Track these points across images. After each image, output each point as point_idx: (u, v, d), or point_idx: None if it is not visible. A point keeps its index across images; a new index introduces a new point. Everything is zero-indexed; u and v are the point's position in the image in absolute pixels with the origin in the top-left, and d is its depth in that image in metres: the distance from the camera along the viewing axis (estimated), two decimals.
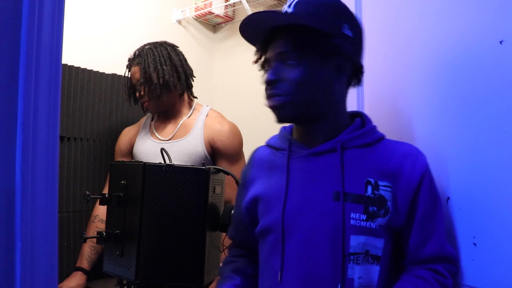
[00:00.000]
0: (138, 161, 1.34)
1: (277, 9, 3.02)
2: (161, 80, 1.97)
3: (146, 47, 2.06)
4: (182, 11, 3.14)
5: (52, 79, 0.66)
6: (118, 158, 2.19)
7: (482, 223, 1.04)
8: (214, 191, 1.35)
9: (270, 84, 1.10)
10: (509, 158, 0.98)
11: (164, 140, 2.04)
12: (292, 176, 1.15)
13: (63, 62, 2.08)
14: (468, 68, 1.09)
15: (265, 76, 1.12)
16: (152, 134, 2.10)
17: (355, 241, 1.05)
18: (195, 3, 3.15)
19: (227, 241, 1.38)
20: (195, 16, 3.20)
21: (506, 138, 0.98)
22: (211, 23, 3.39)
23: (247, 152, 2.12)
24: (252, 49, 3.13)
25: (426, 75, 1.22)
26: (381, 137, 1.15)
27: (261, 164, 1.26)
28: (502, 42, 0.99)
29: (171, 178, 1.30)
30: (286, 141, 1.20)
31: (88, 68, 2.26)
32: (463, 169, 1.10)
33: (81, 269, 2.00)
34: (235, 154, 2.06)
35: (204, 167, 1.31)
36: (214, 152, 2.03)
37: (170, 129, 2.08)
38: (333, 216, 1.06)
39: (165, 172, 1.30)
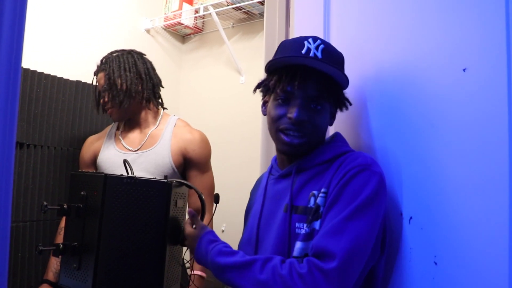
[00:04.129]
0: (99, 172, 1.32)
1: (248, 22, 3.02)
2: (124, 87, 1.95)
3: (113, 54, 2.04)
4: (151, 20, 3.13)
5: (10, 83, 0.64)
6: (82, 168, 2.13)
7: (443, 243, 1.05)
8: (176, 205, 1.33)
9: (300, 124, 1.18)
10: (469, 180, 1.00)
11: (131, 150, 2.01)
12: (267, 195, 1.33)
13: (26, 66, 2.05)
14: (433, 94, 1.11)
15: (292, 112, 1.17)
16: (118, 143, 2.06)
17: (298, 247, 1.13)
18: (165, 13, 3.14)
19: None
20: (164, 26, 3.19)
21: (467, 161, 1.01)
22: (180, 34, 3.38)
23: (213, 162, 2.11)
24: (220, 61, 3.12)
25: (391, 99, 1.26)
26: (343, 152, 1.21)
27: (256, 188, 1.50)
28: (465, 70, 1.02)
29: (132, 191, 1.27)
30: (270, 166, 1.40)
31: (52, 74, 2.21)
32: (425, 189, 1.11)
33: (47, 282, 1.95)
34: (206, 162, 2.07)
35: (166, 180, 1.29)
36: (186, 162, 2.02)
37: (137, 139, 2.05)
38: (283, 225, 1.19)
39: (126, 184, 1.27)
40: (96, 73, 2.05)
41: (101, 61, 2.04)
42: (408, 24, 1.21)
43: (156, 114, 2.11)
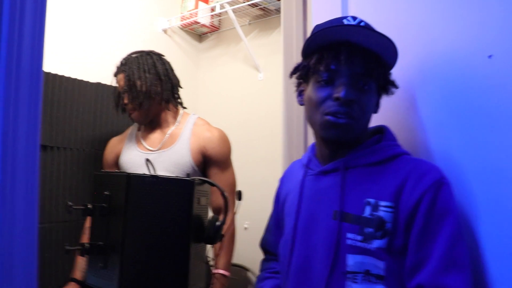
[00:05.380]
0: (121, 172, 1.33)
1: (264, 19, 3.02)
2: (144, 88, 1.96)
3: (132, 55, 2.05)
4: (168, 20, 3.14)
5: (33, 87, 0.65)
6: (106, 169, 2.17)
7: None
8: (199, 203, 1.33)
9: (349, 104, 1.05)
10: (503, 171, 0.98)
11: (152, 150, 2.02)
12: (304, 193, 1.19)
13: (47, 70, 2.07)
14: (459, 81, 1.09)
15: (339, 91, 1.05)
16: (139, 144, 2.08)
17: (352, 260, 1.03)
18: (181, 13, 3.15)
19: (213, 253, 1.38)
20: (181, 25, 3.20)
21: (499, 151, 0.98)
22: (197, 33, 3.39)
23: (233, 160, 2.12)
24: (237, 59, 3.12)
25: (420, 89, 1.22)
26: (397, 154, 1.10)
27: (288, 177, 1.35)
28: (490, 57, 1.00)
29: (155, 189, 1.28)
30: (307, 158, 1.25)
31: (72, 76, 2.23)
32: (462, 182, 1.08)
33: (74, 280, 1.99)
34: (226, 160, 2.07)
35: (188, 178, 1.29)
36: (206, 160, 2.02)
37: (157, 138, 2.06)
38: (331, 235, 1.07)
39: (149, 183, 1.28)
40: (115, 75, 2.07)
41: (121, 62, 2.06)
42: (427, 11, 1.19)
43: (175, 114, 2.13)
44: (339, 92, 1.04)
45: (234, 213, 1.90)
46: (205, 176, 2.04)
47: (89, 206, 1.32)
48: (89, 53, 2.60)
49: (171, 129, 2.06)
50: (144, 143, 2.07)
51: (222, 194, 1.42)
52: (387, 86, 1.14)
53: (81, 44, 2.56)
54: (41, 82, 0.66)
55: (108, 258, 1.30)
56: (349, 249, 1.04)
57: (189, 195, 1.29)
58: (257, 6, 2.86)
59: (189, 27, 3.25)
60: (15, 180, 0.60)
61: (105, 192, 1.32)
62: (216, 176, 2.02)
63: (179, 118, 2.11)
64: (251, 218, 2.90)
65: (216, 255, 1.59)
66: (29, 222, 0.66)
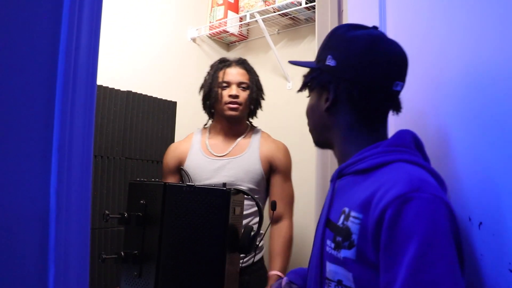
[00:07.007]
0: (158, 181, 1.33)
1: (293, 28, 3.02)
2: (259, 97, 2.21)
3: (238, 57, 2.28)
4: (197, 29, 3.16)
5: (88, 100, 0.65)
6: (166, 174, 2.18)
7: None
8: (234, 212, 1.33)
9: None
10: None
11: (219, 156, 2.09)
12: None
13: None
14: (503, 83, 1.04)
15: None
16: (205, 150, 2.13)
17: (328, 268, 1.04)
18: (210, 22, 3.16)
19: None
20: (210, 34, 3.22)
21: None
22: (225, 42, 3.40)
23: None
24: (266, 68, 3.16)
25: (461, 92, 1.14)
26: (386, 162, 1.01)
27: None
28: None
29: (191, 199, 1.28)
30: None
31: (104, 85, 2.26)
32: (497, 191, 1.04)
33: None
34: (289, 171, 2.17)
35: (225, 188, 1.29)
36: (272, 169, 2.12)
37: (224, 146, 2.14)
38: (319, 241, 1.11)
39: (186, 193, 1.29)
40: (227, 66, 2.21)
41: (238, 58, 2.26)
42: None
43: (246, 125, 2.24)
44: None
45: (292, 221, 2.10)
46: (269, 184, 2.14)
47: (125, 215, 1.32)
48: (119, 61, 2.63)
49: (239, 138, 2.16)
50: (210, 149, 2.13)
51: (257, 204, 1.43)
52: (315, 86, 1.20)
53: (110, 52, 2.59)
54: (95, 95, 0.67)
55: (143, 267, 1.31)
56: (327, 256, 1.05)
57: (226, 204, 1.29)
58: (287, 15, 2.86)
59: (218, 36, 3.27)
60: (70, 193, 0.61)
61: (141, 201, 1.33)
62: (279, 184, 2.12)
63: (248, 129, 2.23)
64: None
65: (271, 258, 1.73)
66: (83, 235, 0.66)
